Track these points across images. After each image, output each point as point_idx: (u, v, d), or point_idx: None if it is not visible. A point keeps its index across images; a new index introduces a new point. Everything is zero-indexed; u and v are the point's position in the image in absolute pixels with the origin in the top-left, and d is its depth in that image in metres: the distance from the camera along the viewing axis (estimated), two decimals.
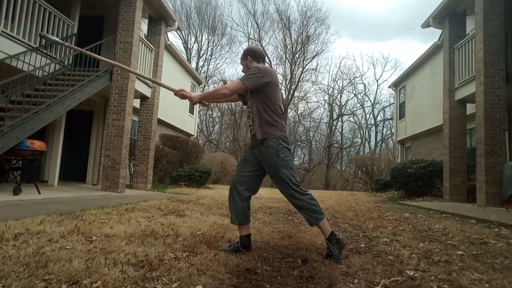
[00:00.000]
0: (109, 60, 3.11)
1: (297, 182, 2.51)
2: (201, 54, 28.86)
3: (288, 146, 2.58)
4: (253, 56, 2.74)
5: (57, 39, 2.90)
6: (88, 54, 2.91)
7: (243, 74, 2.66)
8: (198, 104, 2.65)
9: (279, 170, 2.49)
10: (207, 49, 29.23)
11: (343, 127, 31.45)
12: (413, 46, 45.47)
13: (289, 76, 26.90)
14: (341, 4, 42.95)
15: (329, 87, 31.32)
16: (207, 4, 28.74)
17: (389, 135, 29.72)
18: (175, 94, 2.77)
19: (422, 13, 44.33)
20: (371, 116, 31.30)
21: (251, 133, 2.64)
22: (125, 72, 7.39)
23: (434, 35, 46.20)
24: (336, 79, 37.79)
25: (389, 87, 18.04)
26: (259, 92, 2.57)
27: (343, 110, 30.92)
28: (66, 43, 2.90)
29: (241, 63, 2.81)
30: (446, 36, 8.81)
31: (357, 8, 45.56)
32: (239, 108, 28.97)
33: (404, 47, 45.73)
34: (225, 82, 29.05)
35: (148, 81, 8.91)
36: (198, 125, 21.85)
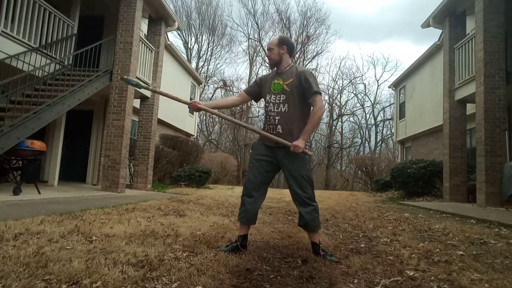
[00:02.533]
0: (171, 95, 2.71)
1: None
2: (201, 55, 28.87)
3: None
4: (289, 48, 2.58)
5: (140, 82, 2.78)
6: (173, 98, 2.67)
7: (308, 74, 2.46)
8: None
9: (307, 170, 2.48)
10: (207, 49, 29.25)
11: (343, 127, 31.45)
12: (405, 47, 45.77)
13: None
14: (334, 5, 43.01)
15: (329, 87, 31.33)
16: (207, 4, 28.77)
17: (389, 135, 29.71)
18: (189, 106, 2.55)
19: (413, 14, 44.71)
20: (371, 116, 31.30)
21: (280, 131, 2.45)
22: (125, 72, 7.38)
23: (426, 35, 46.38)
24: (336, 79, 37.71)
25: (389, 87, 18.05)
26: (299, 95, 2.46)
27: (343, 110, 30.91)
28: (150, 87, 2.83)
29: (270, 48, 2.56)
30: (446, 36, 8.80)
31: (349, 9, 45.71)
32: (239, 108, 28.95)
33: (396, 48, 46.27)
34: (225, 83, 29.09)
35: (148, 81, 8.91)
36: (198, 125, 21.84)
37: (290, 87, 2.47)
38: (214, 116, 30.58)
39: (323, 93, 33.23)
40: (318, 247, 2.47)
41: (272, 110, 2.50)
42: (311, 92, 2.41)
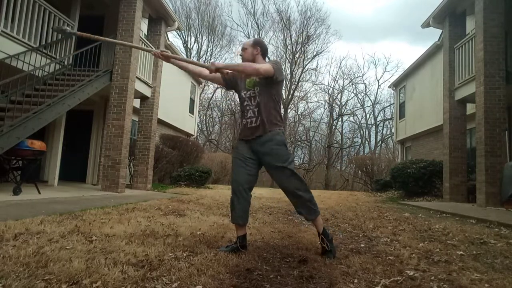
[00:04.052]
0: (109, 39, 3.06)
1: None
2: (201, 55, 28.84)
3: None
4: (262, 49, 2.66)
5: (68, 29, 2.88)
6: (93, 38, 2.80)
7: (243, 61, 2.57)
8: (209, 72, 2.55)
9: (289, 163, 2.51)
10: (207, 49, 29.24)
11: (343, 127, 31.46)
12: (402, 47, 45.88)
13: (289, 76, 26.89)
14: (333, 6, 43.04)
15: (329, 87, 31.34)
16: (207, 4, 28.75)
17: (389, 135, 29.70)
18: (154, 55, 2.67)
19: (407, 15, 44.87)
20: (371, 116, 31.31)
21: (253, 124, 2.55)
22: (125, 72, 7.39)
23: (422, 36, 46.52)
24: (337, 79, 37.75)
25: (389, 87, 18.06)
26: (270, 87, 2.56)
27: (343, 110, 30.91)
28: (78, 33, 2.89)
29: (244, 48, 2.64)
30: (446, 36, 8.80)
31: (347, 10, 45.77)
32: (239, 108, 28.93)
33: (393, 49, 46.51)
34: None
35: (148, 80, 8.92)
36: (198, 125, 21.84)
37: (261, 79, 2.55)
38: (214, 115, 30.67)
39: (323, 92, 33.14)
40: (318, 235, 2.54)
41: (250, 103, 2.59)
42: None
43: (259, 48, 2.64)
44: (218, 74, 2.66)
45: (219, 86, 29.14)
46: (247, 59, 2.61)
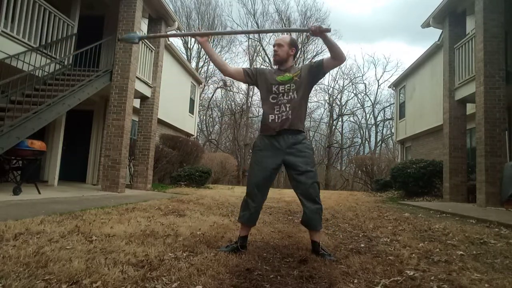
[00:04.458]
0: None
1: None
2: (201, 55, 28.83)
3: None
4: (296, 51, 2.63)
5: (138, 33, 2.89)
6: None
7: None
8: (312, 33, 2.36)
9: (313, 166, 2.50)
10: None
11: (343, 127, 31.47)
12: (400, 48, 45.96)
13: None
14: (333, 6, 43.04)
15: (329, 87, 31.36)
16: (207, 4, 28.78)
17: (389, 135, 29.72)
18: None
19: (405, 16, 44.88)
20: (371, 116, 31.32)
21: (283, 117, 2.46)
22: (125, 72, 7.39)
23: (420, 36, 46.58)
24: (337, 79, 37.75)
25: (389, 87, 18.05)
26: (309, 86, 2.58)
27: (343, 110, 30.92)
28: (145, 35, 2.92)
29: (281, 45, 2.56)
30: (446, 36, 8.80)
31: (346, 10, 45.78)
32: (239, 108, 28.98)
33: (391, 49, 46.58)
34: (225, 83, 29.05)
35: (148, 80, 8.92)
36: (198, 125, 21.84)
37: (298, 77, 2.53)
38: (214, 115, 30.68)
39: (323, 92, 33.17)
40: (318, 246, 2.48)
41: (283, 98, 2.52)
42: (322, 59, 2.55)
43: (295, 49, 2.61)
44: (240, 70, 2.67)
45: (219, 86, 29.20)
46: (282, 57, 2.57)
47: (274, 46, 2.62)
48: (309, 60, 28.05)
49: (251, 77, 2.66)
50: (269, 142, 2.53)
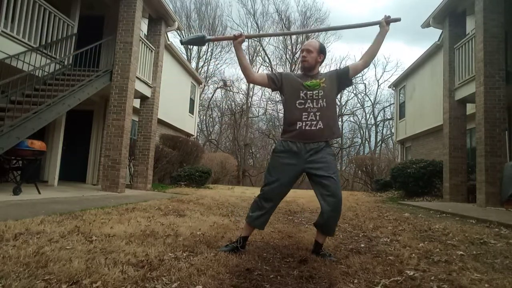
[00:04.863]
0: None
1: None
2: (201, 55, 28.85)
3: None
4: (324, 57, 2.58)
5: (194, 36, 2.79)
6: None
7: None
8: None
9: (335, 172, 2.44)
10: (207, 49, 29.21)
11: (343, 127, 31.43)
12: (399, 48, 45.98)
13: None
14: (333, 6, 43.05)
15: None
16: (207, 4, 28.78)
17: (389, 135, 29.71)
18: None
19: (405, 16, 44.77)
20: (371, 116, 31.33)
21: (312, 128, 2.40)
22: (125, 72, 7.39)
23: (418, 37, 46.55)
24: None
25: (389, 87, 18.05)
26: (336, 93, 2.57)
27: (343, 110, 30.90)
28: (211, 37, 2.81)
29: (310, 51, 2.51)
30: (446, 36, 8.80)
31: (346, 11, 45.79)
32: (239, 108, 28.97)
33: (390, 49, 46.55)
34: (225, 83, 29.08)
35: (148, 81, 8.92)
36: (198, 125, 21.84)
37: (325, 83, 2.48)
38: (214, 115, 30.65)
39: None
40: (320, 247, 2.49)
41: (312, 106, 2.45)
42: (347, 66, 2.56)
43: (323, 56, 2.56)
44: (264, 75, 2.64)
45: (219, 86, 29.20)
46: (311, 64, 2.51)
47: (302, 51, 2.58)
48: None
49: (275, 82, 2.59)
50: (290, 148, 2.46)
